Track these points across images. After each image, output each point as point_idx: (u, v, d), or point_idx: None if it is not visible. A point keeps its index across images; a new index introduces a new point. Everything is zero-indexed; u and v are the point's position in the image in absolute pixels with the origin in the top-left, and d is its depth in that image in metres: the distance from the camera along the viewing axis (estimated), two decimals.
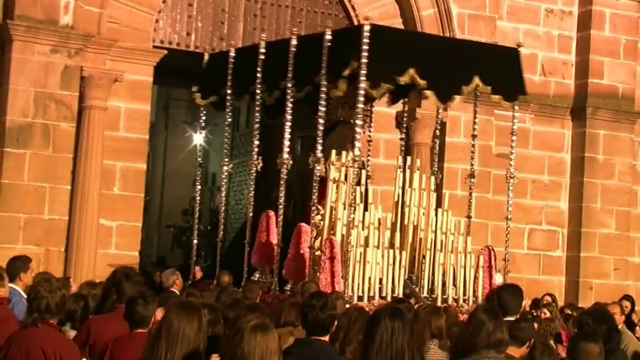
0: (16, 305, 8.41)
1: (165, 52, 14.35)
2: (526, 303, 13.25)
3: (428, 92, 10.87)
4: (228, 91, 12.36)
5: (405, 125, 13.47)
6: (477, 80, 11.06)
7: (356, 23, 15.42)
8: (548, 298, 13.74)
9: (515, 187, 16.54)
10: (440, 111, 12.54)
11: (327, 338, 6.51)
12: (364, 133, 12.98)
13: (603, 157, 17.14)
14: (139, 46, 14.13)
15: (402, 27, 15.69)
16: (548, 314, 11.62)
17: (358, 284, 10.34)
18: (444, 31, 15.71)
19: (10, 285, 9.53)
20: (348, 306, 9.02)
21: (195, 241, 13.34)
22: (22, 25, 13.09)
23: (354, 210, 10.44)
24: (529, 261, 16.92)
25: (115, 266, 9.24)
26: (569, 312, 13.09)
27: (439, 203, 11.61)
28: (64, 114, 13.27)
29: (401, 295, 10.58)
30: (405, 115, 13.40)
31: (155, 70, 14.30)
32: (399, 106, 13.63)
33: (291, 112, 11.25)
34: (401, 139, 13.33)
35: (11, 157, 13.02)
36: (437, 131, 12.95)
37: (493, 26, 16.12)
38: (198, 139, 15.91)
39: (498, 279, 13.92)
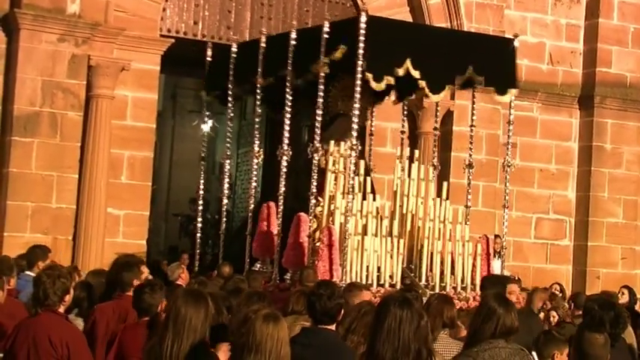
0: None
1: (173, 40, 14.35)
2: None
3: (421, 83, 10.93)
4: (230, 86, 12.49)
5: (404, 117, 13.50)
6: (470, 71, 11.12)
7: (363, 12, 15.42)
8: (557, 287, 13.77)
9: (523, 176, 16.66)
10: (438, 101, 12.55)
11: (333, 327, 6.54)
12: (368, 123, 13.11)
13: (611, 146, 17.12)
14: (147, 35, 14.14)
15: (409, 16, 15.69)
16: (549, 305, 11.64)
17: (356, 272, 10.44)
18: (451, 20, 15.69)
19: (28, 273, 9.59)
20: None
21: (198, 234, 13.40)
22: (30, 13, 13.10)
23: (353, 199, 10.56)
24: (536, 250, 16.93)
25: (122, 255, 9.28)
26: (571, 302, 13.09)
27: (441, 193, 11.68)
28: (72, 103, 13.29)
29: (399, 285, 10.67)
30: (406, 106, 13.42)
31: (162, 59, 14.31)
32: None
33: (292, 103, 11.36)
34: (402, 132, 13.35)
35: (19, 145, 13.05)
36: (436, 123, 13.07)
37: (501, 15, 16.09)
38: (205, 128, 15.90)
39: (496, 266, 13.96)
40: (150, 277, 8.74)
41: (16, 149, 13.04)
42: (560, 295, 13.04)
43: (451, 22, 15.65)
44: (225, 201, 13.30)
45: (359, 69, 10.33)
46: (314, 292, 6.60)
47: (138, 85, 14.13)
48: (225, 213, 13.17)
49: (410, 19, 15.62)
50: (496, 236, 15.54)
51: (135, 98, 14.16)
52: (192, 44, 14.61)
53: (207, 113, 14.02)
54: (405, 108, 13.40)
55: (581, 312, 11.03)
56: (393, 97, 12.83)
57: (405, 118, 13.54)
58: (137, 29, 14.03)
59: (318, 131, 10.90)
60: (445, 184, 11.89)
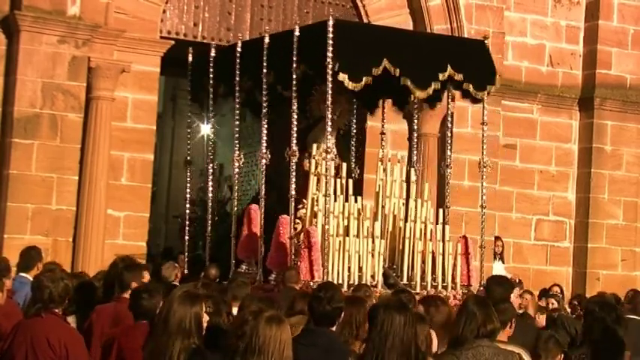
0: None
1: (173, 42, 14.36)
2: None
3: (404, 80, 10.96)
4: (210, 89, 12.59)
5: (383, 117, 13.53)
6: (449, 69, 11.17)
7: (363, 14, 15.47)
8: (557, 289, 13.79)
9: (523, 177, 16.68)
10: (417, 100, 12.58)
11: (333, 329, 6.57)
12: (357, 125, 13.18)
13: (611, 148, 17.12)
14: (147, 37, 14.15)
15: (409, 18, 15.71)
16: (555, 304, 11.68)
17: (338, 272, 10.55)
18: (451, 21, 15.69)
19: (24, 275, 9.61)
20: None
21: (186, 237, 13.51)
22: (30, 15, 13.11)
23: (335, 201, 10.74)
24: (536, 252, 16.93)
25: (120, 256, 9.29)
26: (576, 303, 13.12)
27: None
28: (72, 104, 13.30)
29: (381, 283, 10.78)
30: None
31: (162, 61, 14.32)
32: None
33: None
34: (382, 133, 13.37)
35: (19, 147, 13.06)
36: (414, 125, 13.04)
37: (501, 17, 16.09)
38: (206, 129, 15.94)
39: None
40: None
41: (16, 151, 13.04)
42: (561, 296, 13.08)
43: (451, 24, 15.66)
44: (209, 204, 13.46)
45: (329, 72, 10.40)
46: (315, 295, 6.65)
47: (138, 86, 14.15)
48: (210, 216, 13.32)
49: (410, 21, 15.66)
50: (496, 238, 15.58)
51: (135, 100, 14.17)
52: (193, 46, 14.61)
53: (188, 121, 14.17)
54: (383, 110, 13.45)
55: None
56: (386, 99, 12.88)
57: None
58: (137, 31, 14.05)
59: (295, 135, 11.01)
60: (427, 185, 11.99)
